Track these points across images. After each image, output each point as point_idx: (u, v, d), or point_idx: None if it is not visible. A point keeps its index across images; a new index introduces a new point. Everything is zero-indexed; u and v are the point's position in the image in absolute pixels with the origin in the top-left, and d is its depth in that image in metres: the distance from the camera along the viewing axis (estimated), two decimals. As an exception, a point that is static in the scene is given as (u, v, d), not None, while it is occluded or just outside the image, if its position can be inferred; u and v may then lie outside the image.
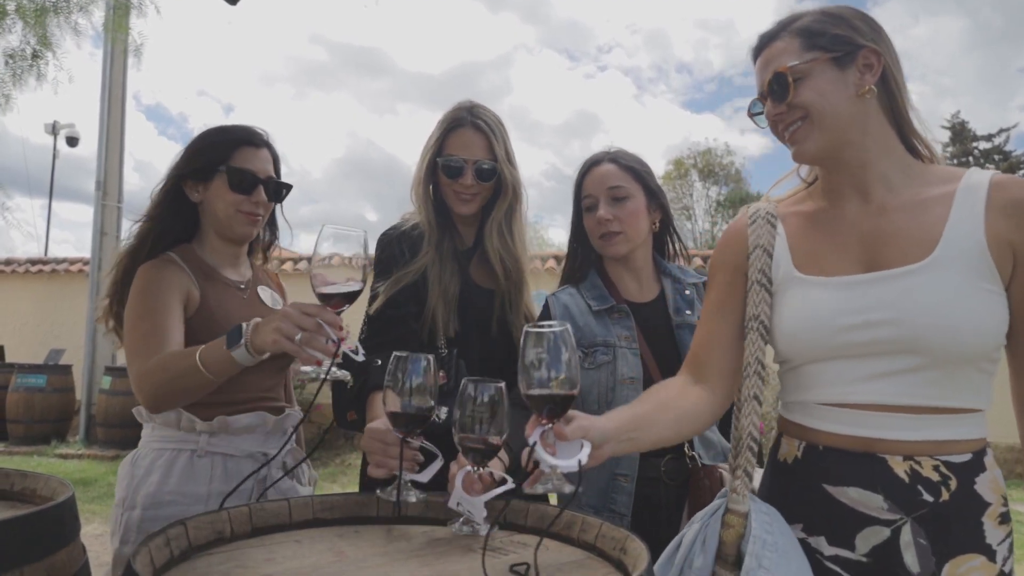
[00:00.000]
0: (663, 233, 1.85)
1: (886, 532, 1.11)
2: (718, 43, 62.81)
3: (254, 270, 1.82)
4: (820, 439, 1.18)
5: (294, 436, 1.78)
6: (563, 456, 1.03)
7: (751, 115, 1.26)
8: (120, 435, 7.28)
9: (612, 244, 1.72)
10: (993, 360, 1.12)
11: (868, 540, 1.12)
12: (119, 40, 6.31)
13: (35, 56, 5.79)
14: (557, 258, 8.79)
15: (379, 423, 1.32)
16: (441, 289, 1.73)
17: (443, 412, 1.51)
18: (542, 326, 1.04)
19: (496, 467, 1.28)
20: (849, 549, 1.14)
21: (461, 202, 1.78)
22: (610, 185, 1.72)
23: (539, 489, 1.04)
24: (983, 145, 27.92)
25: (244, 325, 1.35)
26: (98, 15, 5.88)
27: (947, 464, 1.10)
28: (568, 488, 1.03)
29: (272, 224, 1.83)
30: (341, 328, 1.25)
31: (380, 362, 1.28)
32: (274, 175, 1.70)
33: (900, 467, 1.11)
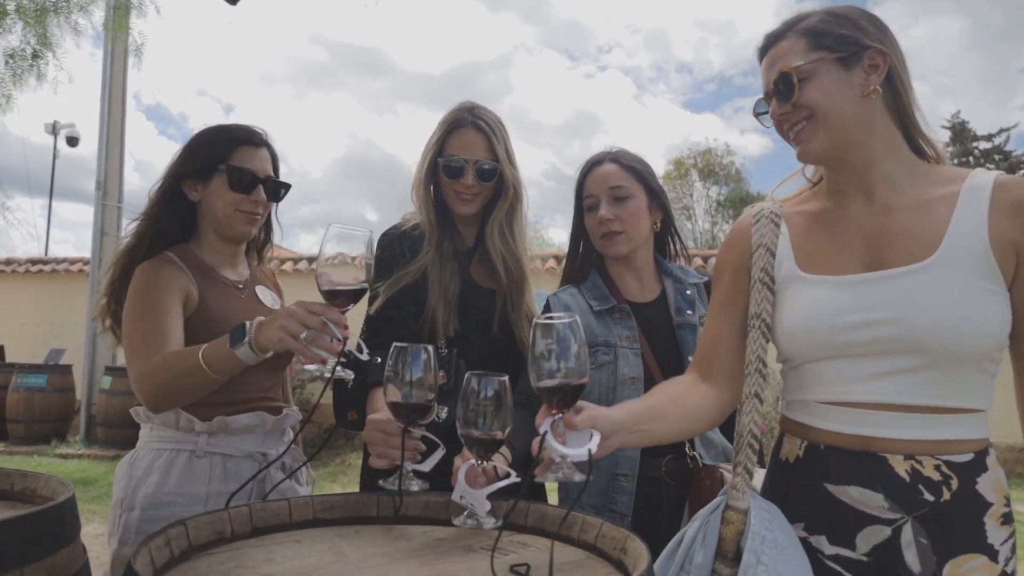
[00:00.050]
0: (664, 233, 1.85)
1: (887, 531, 1.11)
2: (718, 43, 62.87)
3: (252, 270, 1.81)
4: (821, 438, 1.19)
5: (293, 435, 1.78)
6: (573, 446, 1.05)
7: (756, 114, 1.27)
8: (120, 435, 7.28)
9: (613, 244, 1.72)
10: (995, 360, 1.12)
11: (869, 539, 1.12)
12: (119, 40, 6.31)
13: (35, 56, 5.79)
14: (557, 258, 8.80)
15: (380, 414, 1.32)
16: (441, 289, 1.73)
17: (443, 412, 1.51)
18: (552, 318, 1.06)
19: (499, 462, 1.28)
20: (850, 548, 1.14)
21: (462, 202, 1.79)
22: (611, 185, 1.72)
23: (550, 478, 1.05)
24: (983, 145, 27.91)
25: (247, 323, 1.35)
26: (98, 15, 5.88)
27: (948, 464, 1.10)
28: (578, 477, 1.05)
29: (267, 225, 1.83)
30: (346, 327, 1.26)
31: (380, 360, 1.29)
32: (273, 174, 1.70)
33: (901, 466, 1.11)
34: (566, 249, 1.93)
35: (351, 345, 1.27)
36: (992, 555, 1.10)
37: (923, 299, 1.09)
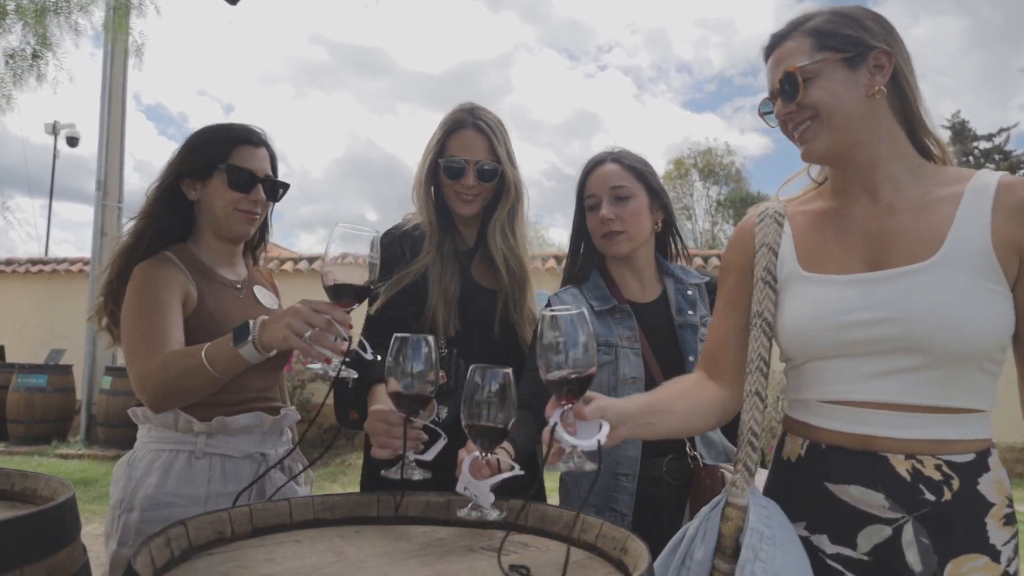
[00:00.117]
0: (665, 233, 1.85)
1: (887, 531, 1.11)
2: (718, 42, 62.85)
3: (249, 270, 1.81)
4: (822, 437, 1.19)
5: (291, 436, 1.78)
6: (582, 436, 1.07)
7: (761, 114, 1.27)
8: (121, 435, 7.29)
9: (614, 244, 1.72)
10: (997, 361, 1.12)
11: (870, 538, 1.12)
12: (119, 40, 6.31)
13: (35, 56, 5.79)
14: (557, 258, 8.80)
15: (382, 405, 1.33)
16: (441, 289, 1.74)
17: (443, 411, 1.51)
18: (559, 310, 1.08)
19: (502, 456, 1.29)
20: (851, 547, 1.14)
21: (463, 203, 1.79)
22: (613, 185, 1.72)
23: (561, 468, 1.08)
24: (983, 145, 27.91)
25: (251, 322, 1.36)
26: (98, 15, 5.88)
27: (949, 464, 1.10)
28: (589, 466, 1.07)
29: (263, 225, 1.82)
30: (351, 326, 1.27)
31: (380, 358, 1.30)
32: (271, 174, 1.70)
33: (901, 466, 1.11)
34: (566, 249, 1.93)
35: (354, 344, 1.28)
36: (994, 555, 1.09)
37: (925, 299, 1.09)
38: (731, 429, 1.44)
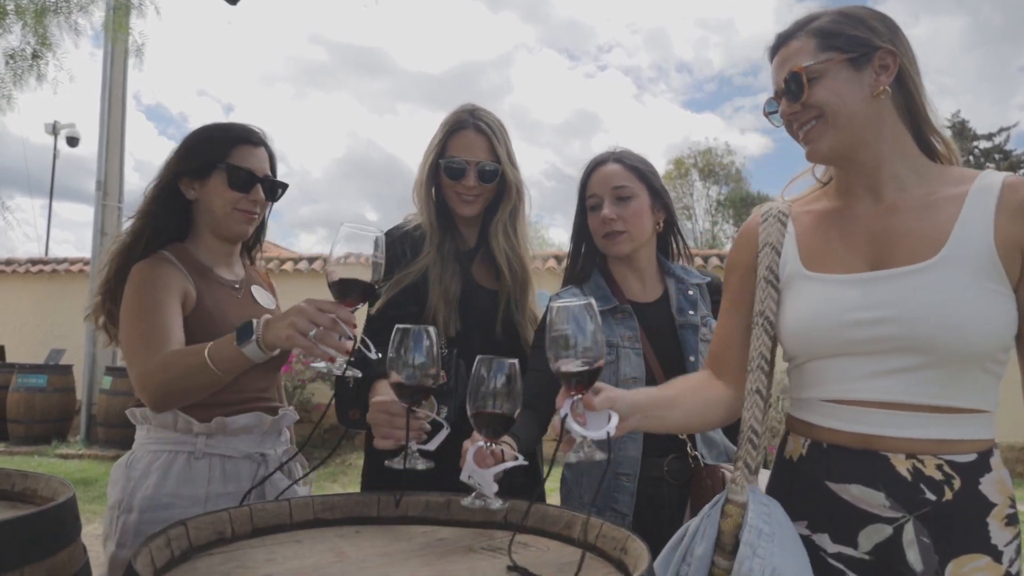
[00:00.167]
0: (667, 233, 1.85)
1: (888, 530, 1.11)
2: (718, 42, 62.85)
3: (246, 269, 1.81)
4: (824, 436, 1.19)
5: (289, 436, 1.78)
6: (592, 427, 1.08)
7: (766, 114, 1.27)
8: (121, 435, 7.29)
9: (616, 243, 1.72)
10: (999, 362, 1.12)
11: (871, 538, 1.13)
12: (119, 40, 6.31)
13: (35, 56, 5.79)
14: (557, 258, 8.80)
15: (384, 396, 1.34)
16: (442, 289, 1.74)
17: (444, 412, 1.51)
18: (568, 301, 1.09)
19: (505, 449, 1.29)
20: (852, 547, 1.14)
21: (463, 203, 1.79)
22: (615, 185, 1.72)
23: (572, 458, 1.09)
24: (983, 144, 27.90)
25: (254, 321, 1.35)
26: (98, 15, 5.87)
27: (951, 463, 1.10)
28: (599, 456, 1.09)
29: (260, 225, 1.82)
30: (355, 326, 1.27)
31: (380, 355, 1.30)
32: (270, 174, 1.70)
33: (902, 465, 1.11)
34: (566, 249, 1.93)
35: (357, 343, 1.28)
36: (996, 556, 1.09)
37: (926, 298, 1.09)
38: (732, 429, 1.44)
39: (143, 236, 1.62)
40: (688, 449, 1.62)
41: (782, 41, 1.23)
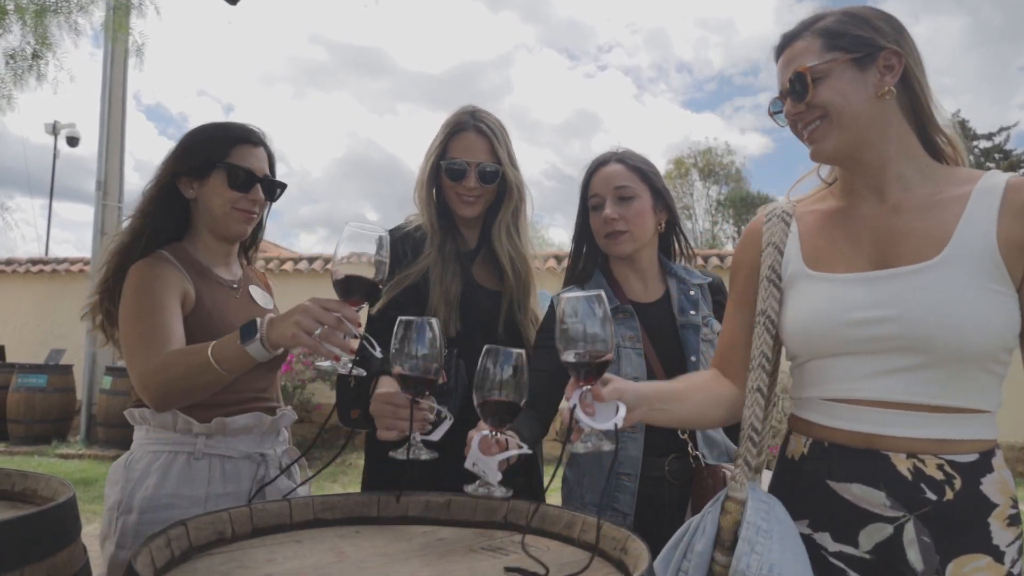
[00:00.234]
0: (669, 234, 1.86)
1: (889, 529, 1.11)
2: (718, 42, 62.85)
3: (244, 269, 1.81)
4: (825, 435, 1.19)
5: (288, 436, 1.78)
6: (600, 418, 1.11)
7: (771, 113, 1.28)
8: (121, 435, 7.29)
9: (618, 243, 1.72)
10: (1001, 362, 1.12)
11: (871, 537, 1.13)
12: (119, 40, 6.31)
13: (35, 56, 5.79)
14: (557, 257, 8.80)
15: (387, 388, 1.35)
16: (443, 290, 1.74)
17: (444, 412, 1.50)
18: (578, 293, 1.11)
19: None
20: (853, 545, 1.14)
21: (464, 204, 1.80)
22: (617, 185, 1.73)
23: (580, 448, 1.11)
24: (983, 144, 27.89)
25: (258, 320, 1.36)
26: (98, 15, 5.87)
27: (952, 463, 1.10)
28: (607, 446, 1.11)
29: (257, 225, 1.81)
30: (360, 324, 1.28)
31: (381, 353, 1.31)
32: (269, 174, 1.70)
33: (903, 464, 1.11)
34: (566, 249, 1.93)
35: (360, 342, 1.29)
36: (998, 556, 1.09)
37: (927, 298, 1.09)
38: (733, 429, 1.44)
39: (143, 236, 1.61)
40: (689, 449, 1.62)
41: (787, 41, 1.23)
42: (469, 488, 1.19)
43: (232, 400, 1.58)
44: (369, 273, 1.25)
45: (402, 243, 1.80)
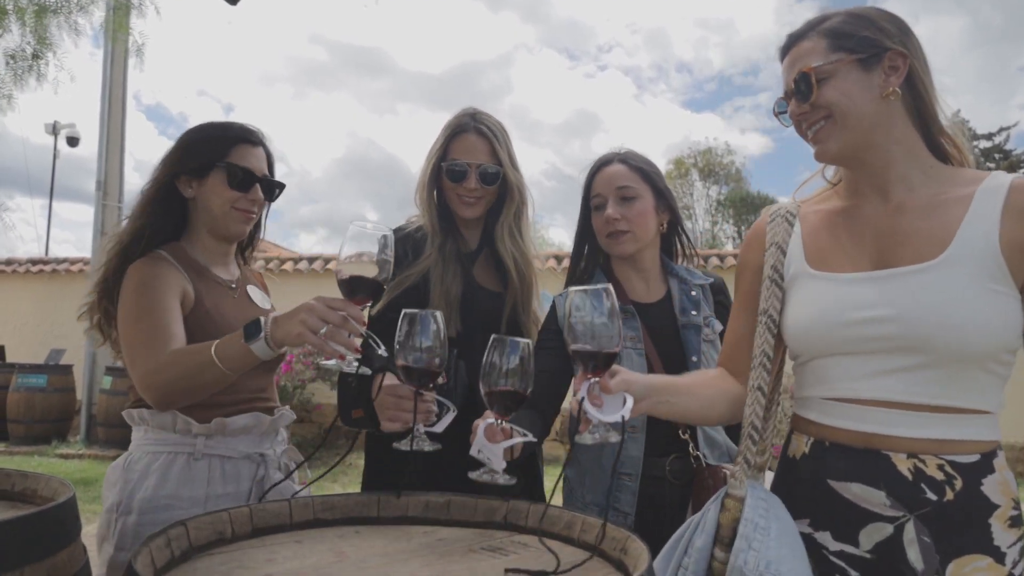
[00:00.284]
0: (671, 234, 1.86)
1: (889, 529, 1.11)
2: (718, 42, 62.86)
3: (241, 269, 1.81)
4: (826, 434, 1.19)
5: (287, 435, 1.78)
6: (608, 409, 1.12)
7: (776, 113, 1.28)
8: (120, 435, 7.29)
9: (620, 243, 1.72)
10: (1003, 363, 1.12)
11: (872, 536, 1.13)
12: (119, 40, 6.30)
13: (35, 56, 5.78)
14: (557, 257, 8.79)
15: (391, 381, 1.36)
16: (443, 290, 1.74)
17: (448, 403, 1.51)
18: (585, 286, 1.13)
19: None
20: (853, 545, 1.14)
21: (465, 205, 1.81)
22: (619, 185, 1.73)
23: (588, 440, 1.12)
24: (983, 144, 27.88)
25: (262, 319, 1.36)
26: (98, 15, 5.86)
27: (952, 464, 1.10)
28: (614, 438, 1.12)
29: (255, 225, 1.81)
30: (365, 323, 1.29)
31: (386, 352, 1.32)
32: (268, 174, 1.70)
33: (903, 464, 1.11)
34: (566, 248, 1.95)
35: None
36: (998, 557, 1.09)
37: (927, 298, 1.09)
38: (734, 430, 1.45)
39: (143, 237, 1.61)
40: (690, 449, 1.62)
41: (793, 41, 1.23)
42: (473, 474, 1.20)
43: (231, 400, 1.58)
44: (373, 272, 1.26)
45: (403, 244, 1.80)
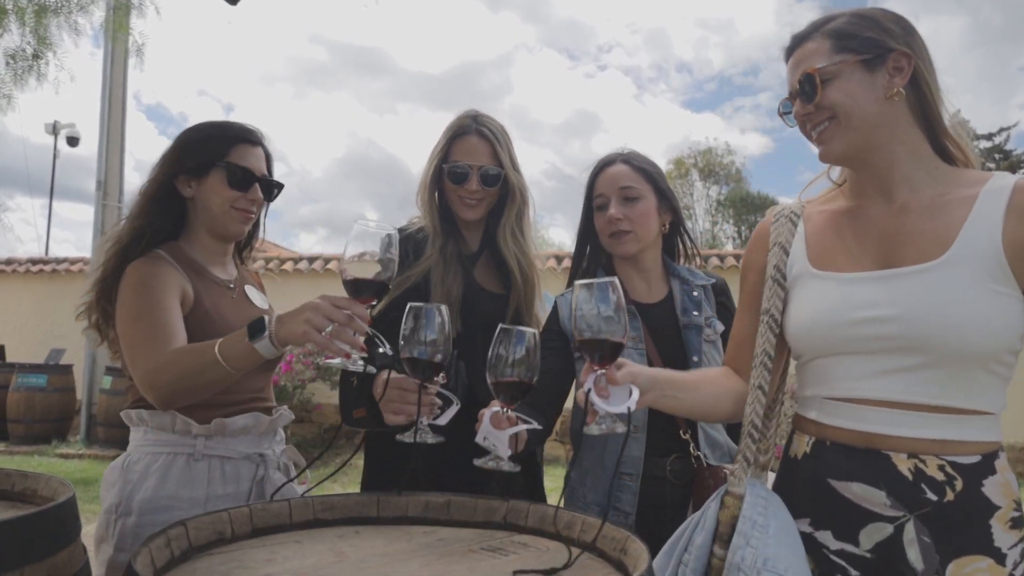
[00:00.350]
0: (673, 235, 1.86)
1: (889, 528, 1.12)
2: (718, 42, 62.86)
3: (238, 269, 1.80)
4: (827, 434, 1.20)
5: (285, 435, 1.78)
6: (614, 401, 1.14)
7: (781, 114, 1.29)
8: (120, 435, 7.27)
9: (622, 243, 1.73)
10: (1005, 364, 1.12)
11: (872, 536, 1.13)
12: (119, 40, 6.30)
13: (35, 56, 5.78)
14: (557, 257, 8.79)
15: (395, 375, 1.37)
16: (444, 291, 1.74)
17: (452, 396, 1.51)
18: (591, 279, 1.15)
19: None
20: (854, 544, 1.14)
21: (466, 207, 1.81)
22: (622, 185, 1.73)
23: (594, 430, 1.15)
24: (983, 144, 27.87)
25: (266, 317, 1.36)
26: (98, 15, 5.86)
27: (953, 464, 1.10)
28: (621, 428, 1.14)
29: (254, 225, 1.80)
30: (370, 322, 1.29)
31: (383, 350, 1.32)
32: (267, 173, 1.70)
33: (904, 464, 1.11)
34: (566, 248, 1.95)
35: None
36: (999, 558, 1.09)
37: (929, 298, 1.09)
38: (735, 430, 1.45)
39: (143, 237, 1.60)
40: (691, 449, 1.63)
41: (797, 42, 1.24)
42: (479, 461, 1.21)
43: (231, 401, 1.58)
44: (378, 271, 1.27)
45: (404, 245, 1.80)
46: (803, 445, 1.24)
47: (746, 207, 31.23)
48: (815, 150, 1.24)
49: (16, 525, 1.09)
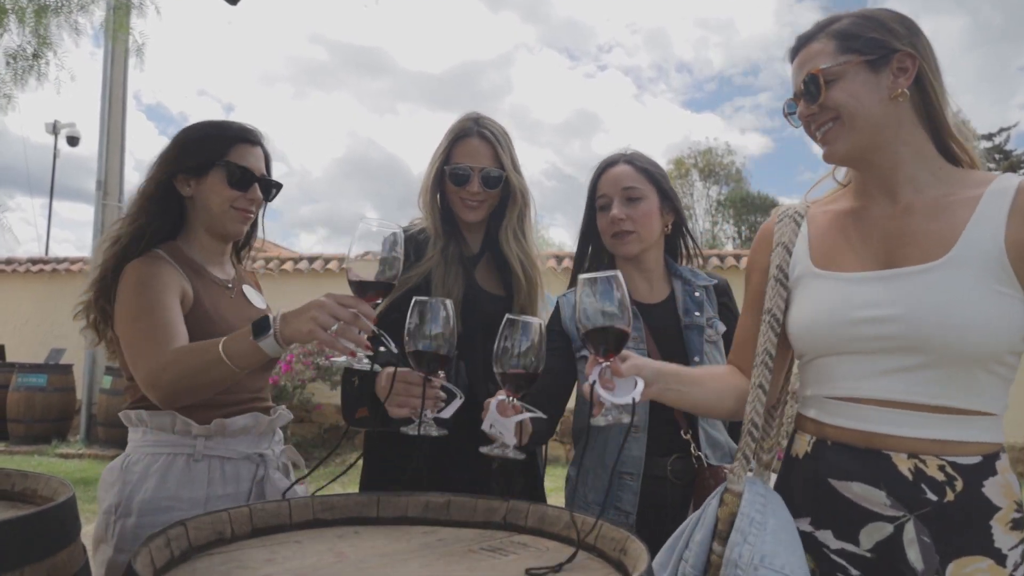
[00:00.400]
0: (675, 235, 1.87)
1: (889, 528, 1.12)
2: (718, 42, 62.84)
3: (236, 269, 1.80)
4: (828, 434, 1.20)
5: (283, 435, 1.77)
6: (620, 392, 1.16)
7: (786, 114, 1.29)
8: (121, 435, 7.22)
9: (624, 243, 1.73)
10: (1006, 364, 1.12)
11: (872, 535, 1.13)
12: (119, 40, 6.30)
13: (35, 56, 5.78)
14: (557, 257, 8.79)
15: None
16: (444, 292, 1.75)
17: (456, 390, 1.52)
18: (595, 272, 1.17)
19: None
20: (854, 543, 1.14)
21: (468, 209, 1.82)
22: (625, 186, 1.74)
23: (600, 422, 1.17)
24: (983, 144, 27.88)
25: (270, 316, 1.36)
26: (98, 15, 5.86)
27: (953, 465, 1.10)
28: (626, 419, 1.17)
29: (252, 225, 1.80)
30: (376, 320, 1.29)
31: (384, 349, 1.32)
32: (266, 173, 1.70)
33: (904, 464, 1.11)
34: (566, 248, 1.96)
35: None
36: (999, 559, 1.09)
37: (930, 298, 1.10)
38: (736, 430, 1.45)
39: (144, 237, 1.60)
40: (692, 449, 1.63)
41: (802, 43, 1.24)
42: (484, 449, 1.22)
43: (230, 401, 1.58)
44: (383, 270, 1.27)
45: (405, 245, 1.80)
46: (804, 444, 1.24)
47: (746, 207, 31.23)
48: (819, 151, 1.25)
49: (16, 525, 1.09)
